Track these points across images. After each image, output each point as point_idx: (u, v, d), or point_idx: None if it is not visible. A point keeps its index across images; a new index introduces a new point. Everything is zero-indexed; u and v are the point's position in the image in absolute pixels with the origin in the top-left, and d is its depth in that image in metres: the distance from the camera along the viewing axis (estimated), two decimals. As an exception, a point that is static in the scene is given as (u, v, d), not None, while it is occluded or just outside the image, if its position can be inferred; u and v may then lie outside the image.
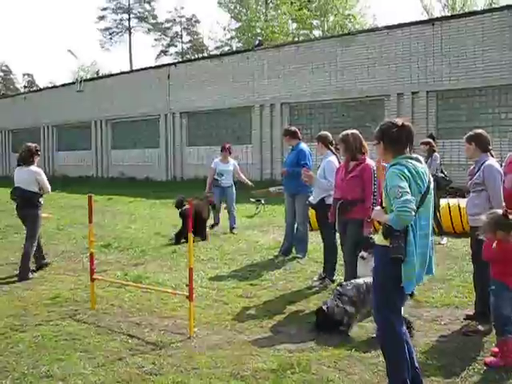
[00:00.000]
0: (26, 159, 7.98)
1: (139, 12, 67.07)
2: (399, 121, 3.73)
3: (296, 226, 8.63)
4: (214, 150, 26.40)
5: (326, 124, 22.62)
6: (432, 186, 3.67)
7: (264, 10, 45.07)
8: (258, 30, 44.41)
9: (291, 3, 42.09)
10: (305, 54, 22.76)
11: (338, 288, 5.29)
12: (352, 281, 5.35)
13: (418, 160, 3.67)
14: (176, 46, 71.62)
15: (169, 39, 70.91)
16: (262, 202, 14.89)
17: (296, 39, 39.63)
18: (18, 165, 8.11)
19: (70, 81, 35.31)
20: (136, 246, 9.73)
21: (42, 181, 7.92)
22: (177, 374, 4.17)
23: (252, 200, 15.14)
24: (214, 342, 4.91)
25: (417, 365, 3.73)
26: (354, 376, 4.08)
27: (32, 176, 7.85)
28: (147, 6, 66.89)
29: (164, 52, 70.46)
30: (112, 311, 5.91)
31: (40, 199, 7.98)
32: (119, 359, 4.48)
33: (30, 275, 7.54)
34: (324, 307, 5.12)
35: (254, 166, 24.31)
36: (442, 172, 9.78)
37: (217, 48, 56.58)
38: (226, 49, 51.59)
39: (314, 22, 46.36)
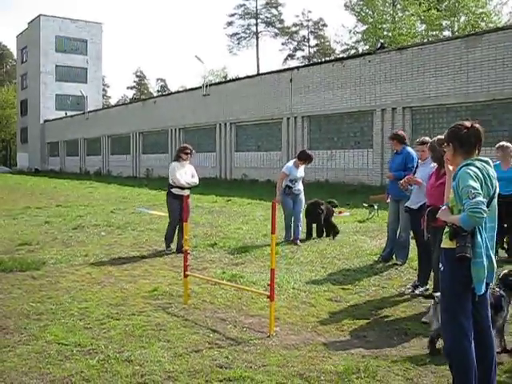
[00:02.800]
0: (174, 156, 10.20)
1: (266, 17, 68.56)
2: (468, 123, 3.68)
3: (399, 231, 8.47)
4: (335, 154, 26.48)
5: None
6: (498, 190, 3.65)
7: (391, 12, 44.20)
8: (385, 33, 43.66)
9: (419, 4, 40.94)
10: (428, 56, 22.10)
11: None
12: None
13: (488, 163, 3.63)
14: (303, 50, 72.45)
15: (296, 43, 71.73)
16: (375, 207, 14.68)
17: (425, 41, 38.48)
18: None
19: (198, 85, 36.77)
20: (241, 247, 10.02)
21: (170, 174, 9.83)
22: (246, 369, 4.31)
23: (365, 205, 15.01)
24: (292, 342, 5.00)
25: (494, 371, 3.63)
26: (421, 386, 3.99)
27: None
28: (274, 11, 68.22)
29: (291, 56, 71.53)
30: (202, 307, 6.19)
31: (171, 189, 9.76)
32: (196, 351, 4.72)
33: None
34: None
35: (374, 170, 24.03)
36: None
37: (343, 51, 56.47)
38: (352, 52, 51.22)
39: (444, 23, 44.73)
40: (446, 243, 3.62)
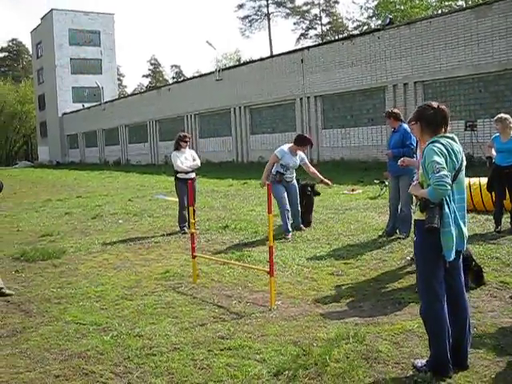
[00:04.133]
0: (174, 145, 10.86)
1: (277, -3, 68.15)
2: (435, 103, 3.98)
3: (400, 206, 8.75)
4: (349, 132, 26.66)
5: (462, 101, 21.86)
6: (465, 163, 3.91)
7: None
8: (397, 6, 43.30)
9: (432, -25, 40.48)
10: (437, 29, 22.04)
11: None
12: None
13: (453, 139, 3.91)
14: (315, 29, 72.08)
15: (308, 22, 71.35)
16: (386, 183, 14.90)
17: (439, 12, 38.10)
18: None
19: (211, 70, 37.05)
20: (251, 228, 10.38)
21: (173, 162, 10.73)
22: (246, 339, 4.70)
23: (376, 182, 15.25)
24: (291, 314, 5.37)
25: (468, 331, 3.94)
26: (405, 349, 4.31)
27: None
28: (285, -9, 67.75)
29: (304, 35, 71.16)
30: (210, 285, 6.59)
31: (177, 175, 10.69)
32: (201, 325, 5.12)
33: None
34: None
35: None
36: None
37: (355, 28, 56.32)
38: (365, 28, 50.93)
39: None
40: (417, 215, 3.93)
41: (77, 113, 57.07)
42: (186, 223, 10.33)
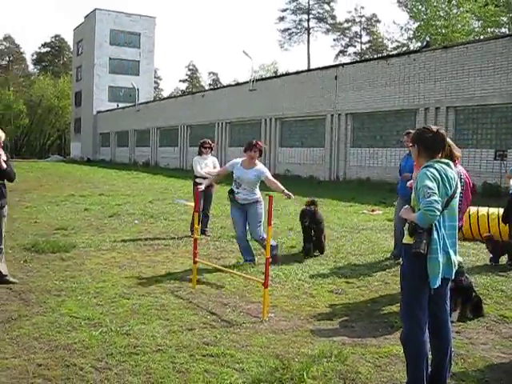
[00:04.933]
0: (198, 150, 11.23)
1: (318, 12, 68.51)
2: (434, 127, 3.97)
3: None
4: (377, 152, 26.52)
5: (494, 129, 21.62)
6: (459, 190, 3.87)
7: (445, 8, 43.40)
8: (438, 30, 43.00)
9: (475, 0, 40.06)
10: (474, 54, 21.92)
11: None
12: None
13: (448, 165, 3.88)
14: (355, 47, 72.02)
15: (348, 39, 71.38)
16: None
17: (481, 37, 37.72)
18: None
19: (246, 80, 37.29)
20: (262, 239, 10.40)
21: (193, 167, 11.15)
22: (229, 347, 4.73)
23: (395, 204, 15.13)
24: (281, 327, 5.37)
25: (448, 361, 3.91)
26: (385, 373, 4.29)
27: None
28: (326, 7, 68.12)
29: (342, 52, 71.20)
30: (209, 292, 6.63)
31: (196, 179, 10.95)
32: (190, 329, 5.17)
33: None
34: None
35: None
36: None
37: (394, 49, 55.92)
38: (404, 49, 50.72)
39: (502, 19, 43.61)
40: (406, 239, 3.91)
41: (111, 112, 57.94)
42: (200, 228, 10.43)
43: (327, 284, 7.16)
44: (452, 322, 5.62)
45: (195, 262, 6.81)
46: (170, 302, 6.08)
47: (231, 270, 7.31)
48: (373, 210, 15.96)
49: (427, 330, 3.86)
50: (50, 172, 33.41)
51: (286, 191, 7.69)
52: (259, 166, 8.12)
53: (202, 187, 8.10)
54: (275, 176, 29.43)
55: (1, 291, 6.35)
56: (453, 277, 3.94)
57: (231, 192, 8.15)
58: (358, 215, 14.88)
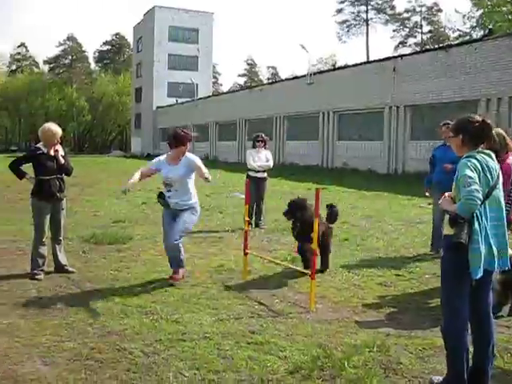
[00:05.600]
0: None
1: (377, 3, 67.48)
2: (479, 117, 3.91)
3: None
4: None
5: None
6: (501, 181, 3.82)
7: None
8: (504, 16, 41.40)
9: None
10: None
11: None
12: None
13: (489, 155, 3.83)
14: (415, 37, 70.49)
15: (407, 30, 69.97)
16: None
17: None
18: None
19: (303, 74, 37.21)
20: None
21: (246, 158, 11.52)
22: (274, 336, 4.84)
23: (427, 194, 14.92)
24: (327, 318, 5.43)
25: (490, 357, 3.87)
26: (427, 364, 4.29)
27: None
28: (385, -3, 66.79)
29: (402, 43, 69.85)
30: (258, 283, 6.77)
31: (248, 172, 11.33)
32: (237, 318, 5.31)
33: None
34: None
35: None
36: None
37: (456, 38, 54.39)
38: (466, 38, 49.31)
39: None
40: (446, 230, 3.89)
41: (170, 107, 58.95)
42: (251, 220, 10.65)
43: (377, 276, 7.16)
44: (503, 316, 5.55)
45: (246, 254, 6.95)
46: (220, 292, 6.25)
47: (281, 262, 7.41)
48: (429, 204, 15.68)
49: (468, 322, 3.84)
50: (111, 167, 34.38)
51: (205, 174, 6.65)
52: (186, 155, 6.75)
53: (125, 187, 6.86)
54: (333, 170, 29.19)
55: (60, 280, 6.68)
56: (495, 269, 3.89)
57: (161, 195, 6.85)
58: (415, 209, 14.68)
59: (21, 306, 5.62)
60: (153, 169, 6.98)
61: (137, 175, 6.93)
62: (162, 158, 6.99)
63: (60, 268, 7.05)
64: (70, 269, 7.11)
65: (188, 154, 6.78)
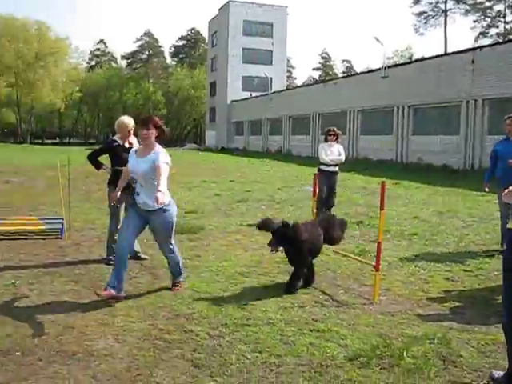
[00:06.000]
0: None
1: (457, -7, 65.16)
2: None
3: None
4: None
5: None
6: None
7: None
8: None
9: None
10: None
11: None
12: None
13: None
14: (497, 27, 67.77)
15: (489, 20, 67.37)
16: None
17: None
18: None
19: (377, 67, 36.68)
20: (384, 226, 10.40)
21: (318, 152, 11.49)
22: (335, 324, 4.97)
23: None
24: (390, 310, 5.49)
25: None
26: (488, 359, 4.29)
27: None
28: (469, -13, 64.57)
29: (483, 34, 67.35)
30: (325, 274, 6.89)
31: (320, 166, 11.38)
32: (301, 307, 5.48)
33: None
34: None
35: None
36: None
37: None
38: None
39: None
40: (510, 224, 3.88)
41: (244, 101, 59.55)
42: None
43: (443, 271, 7.12)
44: None
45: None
46: (286, 282, 6.40)
47: (348, 254, 7.48)
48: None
49: None
50: (186, 159, 35.18)
51: (157, 194, 5.00)
52: (156, 149, 5.62)
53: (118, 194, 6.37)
54: (407, 165, 28.66)
55: (134, 266, 7.05)
56: None
57: (128, 191, 6.19)
58: (491, 205, 14.28)
59: (97, 289, 6.00)
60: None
61: (123, 179, 6.27)
62: (136, 148, 6.02)
63: (134, 254, 7.43)
64: (143, 256, 7.49)
65: (158, 150, 5.58)
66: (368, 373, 3.97)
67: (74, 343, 4.50)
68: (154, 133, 5.57)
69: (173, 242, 6.08)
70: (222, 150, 56.32)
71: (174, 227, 6.00)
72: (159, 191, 5.03)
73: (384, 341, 4.50)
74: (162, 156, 5.48)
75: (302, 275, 6.06)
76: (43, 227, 9.18)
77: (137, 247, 7.48)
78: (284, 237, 5.87)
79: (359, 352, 4.28)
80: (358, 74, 43.90)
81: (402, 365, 4.07)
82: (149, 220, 5.81)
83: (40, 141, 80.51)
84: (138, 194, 5.74)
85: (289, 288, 5.97)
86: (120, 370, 4.01)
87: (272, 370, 4.01)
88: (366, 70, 43.51)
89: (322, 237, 6.29)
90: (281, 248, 6.03)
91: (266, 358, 4.20)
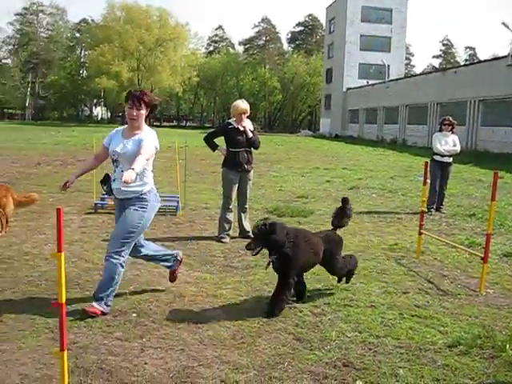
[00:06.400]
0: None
1: None
2: None
3: None
4: None
5: None
6: None
7: None
8: None
9: None
10: None
11: None
12: None
13: None
14: None
15: None
16: None
17: None
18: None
19: (503, 55, 34.79)
20: (498, 219, 10.04)
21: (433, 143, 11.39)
22: (437, 312, 5.01)
23: None
24: (497, 302, 5.41)
25: None
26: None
27: None
28: None
29: None
30: (431, 263, 6.89)
31: (434, 156, 11.11)
32: (404, 293, 5.57)
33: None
34: None
35: None
36: None
37: None
38: None
39: None
40: None
41: (360, 88, 58.72)
42: (434, 205, 10.66)
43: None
44: None
45: (420, 234, 7.10)
46: (391, 268, 6.50)
47: (456, 244, 7.38)
48: None
49: None
50: (299, 146, 35.46)
51: (126, 172, 4.40)
52: (146, 129, 4.98)
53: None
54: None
55: (243, 244, 7.06)
56: None
57: (105, 178, 5.03)
58: None
59: (208, 263, 6.41)
60: (105, 145, 5.10)
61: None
62: (121, 128, 5.18)
63: (244, 233, 7.80)
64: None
65: (148, 131, 4.96)
66: (467, 360, 4.00)
67: (184, 311, 4.91)
68: (144, 113, 4.89)
69: (124, 253, 4.85)
70: (336, 138, 56.02)
71: (137, 234, 4.92)
72: (131, 169, 4.37)
73: (486, 332, 4.47)
74: (152, 137, 4.89)
75: (290, 286, 4.92)
76: (161, 204, 9.77)
77: (247, 226, 7.80)
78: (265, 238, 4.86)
79: (459, 340, 4.30)
80: (480, 61, 41.82)
81: (504, 357, 4.05)
82: (124, 208, 4.95)
83: (158, 123, 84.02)
84: (114, 181, 4.93)
85: (273, 310, 4.82)
86: (225, 337, 4.34)
87: (370, 349, 4.16)
88: (490, 58, 41.32)
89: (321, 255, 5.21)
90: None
91: (365, 338, 4.35)
